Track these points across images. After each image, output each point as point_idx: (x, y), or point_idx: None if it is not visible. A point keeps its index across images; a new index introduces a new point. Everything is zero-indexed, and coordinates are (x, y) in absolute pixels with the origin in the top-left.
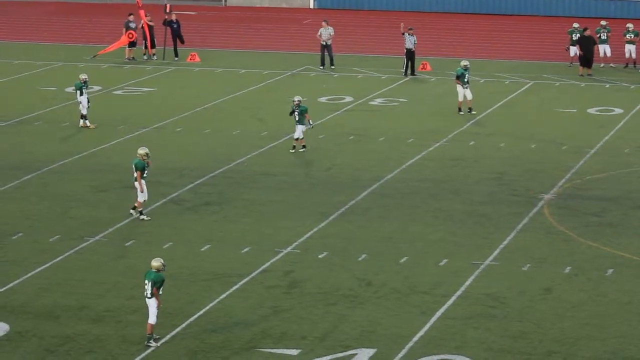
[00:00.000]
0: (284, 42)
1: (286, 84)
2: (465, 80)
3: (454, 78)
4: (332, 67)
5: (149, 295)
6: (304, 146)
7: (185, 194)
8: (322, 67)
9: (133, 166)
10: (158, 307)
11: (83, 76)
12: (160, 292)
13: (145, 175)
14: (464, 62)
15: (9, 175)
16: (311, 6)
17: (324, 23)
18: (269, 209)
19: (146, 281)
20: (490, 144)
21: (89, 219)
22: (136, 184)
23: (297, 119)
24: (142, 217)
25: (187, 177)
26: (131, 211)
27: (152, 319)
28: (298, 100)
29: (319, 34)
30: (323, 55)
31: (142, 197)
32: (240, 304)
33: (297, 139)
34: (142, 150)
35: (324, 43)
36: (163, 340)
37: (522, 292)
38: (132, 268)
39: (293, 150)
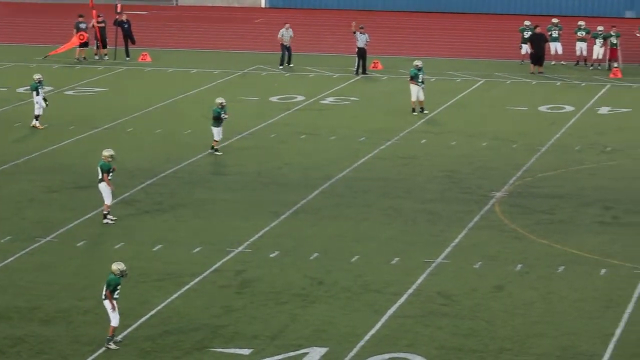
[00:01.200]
0: (235, 42)
1: (237, 84)
2: (420, 80)
3: (408, 79)
4: (290, 65)
5: (104, 297)
6: (216, 150)
7: (137, 195)
8: (281, 67)
9: (99, 168)
10: (112, 310)
11: (37, 76)
12: (116, 296)
13: (110, 177)
14: (417, 62)
15: None
16: (263, 5)
17: (286, 25)
18: (220, 209)
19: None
20: (442, 142)
21: (41, 220)
22: (101, 185)
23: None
24: (108, 218)
25: (139, 178)
26: (105, 220)
27: (112, 322)
28: (224, 102)
29: (280, 35)
30: (283, 55)
31: (109, 199)
32: (192, 303)
33: (217, 141)
34: (106, 152)
35: (285, 44)
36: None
37: (474, 290)
38: (84, 269)
39: (220, 153)
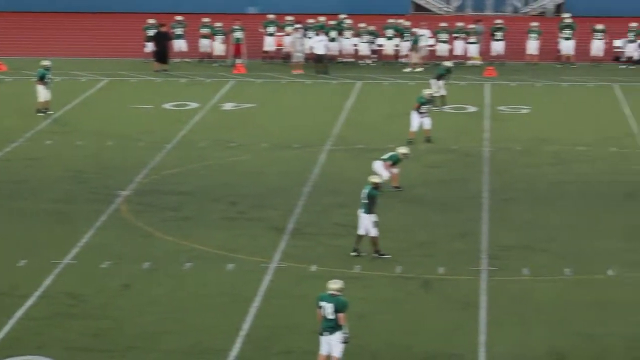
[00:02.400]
0: None
1: None
2: (46, 80)
3: (35, 79)
4: None
5: None
6: None
7: None
8: None
9: None
10: None
11: None
12: None
13: None
14: (45, 62)
15: None
16: None
17: None
18: None
19: None
20: (68, 142)
21: None
22: None
23: None
24: None
25: None
26: None
27: None
28: None
29: None
30: None
31: None
32: None
33: None
34: None
35: None
36: None
37: (102, 289)
38: None
39: None
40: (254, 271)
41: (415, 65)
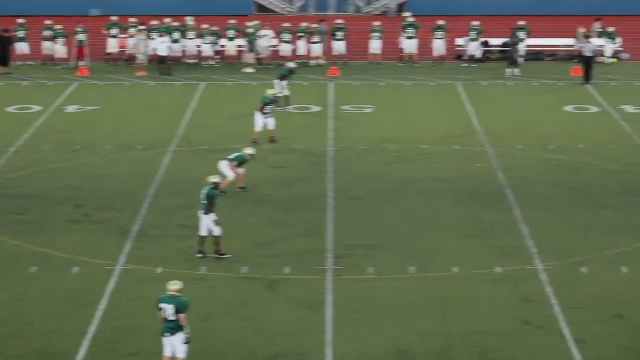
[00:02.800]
0: None
1: None
2: None
3: None
4: None
5: None
6: None
7: None
8: None
9: None
10: None
11: None
12: None
13: None
14: None
15: None
16: None
17: None
18: None
19: None
20: None
21: None
22: None
23: None
24: None
25: None
26: None
27: None
28: None
29: None
30: None
31: None
32: None
33: None
34: None
35: None
36: None
37: None
38: None
39: None
40: (99, 274)
41: (251, 65)
